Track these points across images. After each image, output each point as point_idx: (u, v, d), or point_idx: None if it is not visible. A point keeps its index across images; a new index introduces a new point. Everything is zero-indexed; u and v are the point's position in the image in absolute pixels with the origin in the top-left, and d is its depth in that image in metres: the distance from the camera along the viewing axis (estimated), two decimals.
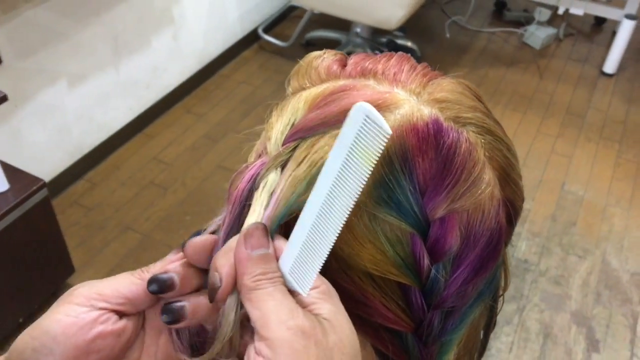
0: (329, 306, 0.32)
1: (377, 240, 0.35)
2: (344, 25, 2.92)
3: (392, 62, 0.41)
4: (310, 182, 0.34)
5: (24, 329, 0.36)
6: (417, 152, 0.35)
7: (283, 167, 0.36)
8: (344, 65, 0.42)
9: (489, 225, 0.37)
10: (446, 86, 0.39)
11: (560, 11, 3.06)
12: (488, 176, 0.37)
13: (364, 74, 0.40)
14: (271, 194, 0.35)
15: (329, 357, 0.30)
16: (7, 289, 1.59)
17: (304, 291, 0.32)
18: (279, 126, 0.39)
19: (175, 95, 2.60)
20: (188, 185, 2.25)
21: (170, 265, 0.35)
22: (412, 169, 0.35)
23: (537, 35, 3.12)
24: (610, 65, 2.95)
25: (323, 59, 0.43)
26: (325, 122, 0.36)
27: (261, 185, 0.36)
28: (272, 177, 0.36)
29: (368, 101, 0.36)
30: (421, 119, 0.35)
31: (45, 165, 2.02)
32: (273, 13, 3.17)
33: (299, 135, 0.37)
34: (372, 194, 0.35)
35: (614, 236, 2.17)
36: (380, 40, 2.92)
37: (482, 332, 0.48)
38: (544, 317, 1.89)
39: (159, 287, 0.34)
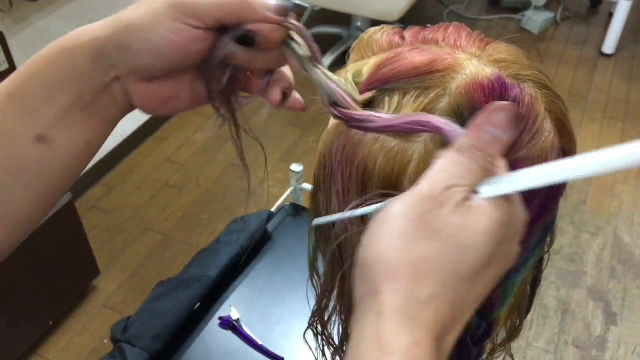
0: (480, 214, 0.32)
1: None
2: (344, 20, 2.95)
3: (450, 31, 0.44)
4: None
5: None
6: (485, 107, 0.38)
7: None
8: (403, 37, 0.46)
9: None
10: (503, 49, 0.43)
11: None
12: (549, 126, 0.40)
13: (425, 42, 0.44)
14: None
15: (428, 235, 0.31)
16: (36, 293, 1.62)
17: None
18: (344, 76, 0.42)
19: None
20: (202, 185, 2.28)
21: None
22: None
23: (535, 20, 3.16)
24: (609, 45, 2.98)
25: (383, 33, 0.46)
26: (397, 76, 0.40)
27: None
28: None
29: (434, 60, 0.40)
30: (486, 77, 0.39)
31: None
32: None
33: (375, 85, 0.41)
34: (446, 146, 0.38)
35: (624, 212, 2.20)
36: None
37: (529, 288, 0.52)
38: (561, 294, 1.93)
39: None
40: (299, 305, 0.79)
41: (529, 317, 1.82)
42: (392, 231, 0.31)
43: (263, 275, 0.84)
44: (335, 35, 3.01)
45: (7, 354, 1.59)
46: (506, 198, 0.33)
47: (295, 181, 1.18)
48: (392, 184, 0.39)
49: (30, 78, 0.39)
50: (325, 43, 2.98)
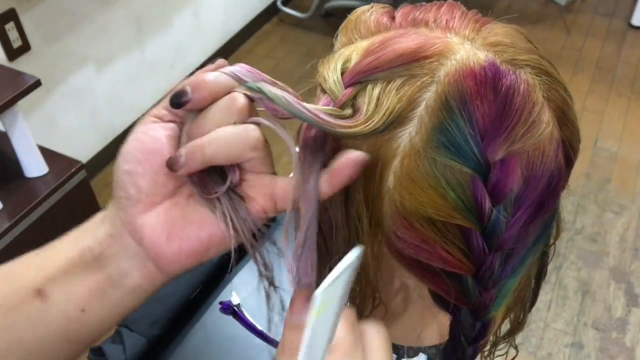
0: None
1: (438, 185, 0.35)
2: None
3: (442, 10, 0.41)
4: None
5: None
6: (476, 96, 0.35)
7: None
8: (392, 17, 0.43)
9: (549, 165, 0.37)
10: (499, 30, 0.39)
11: None
12: (547, 117, 0.37)
13: (415, 24, 0.40)
14: None
15: None
16: None
17: None
18: (333, 67, 0.39)
19: None
20: None
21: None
22: (471, 113, 0.35)
23: None
24: (638, 17, 2.87)
25: (372, 13, 0.43)
26: (381, 66, 0.37)
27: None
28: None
29: (421, 46, 0.37)
30: (478, 63, 0.35)
31: (80, 147, 2.05)
32: None
33: (358, 78, 0.37)
34: (432, 140, 0.35)
35: None
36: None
37: (533, 281, 0.49)
38: (582, 274, 1.89)
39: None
40: None
41: (548, 297, 1.79)
42: None
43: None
44: (354, 8, 2.94)
45: None
46: None
47: None
48: (376, 180, 0.37)
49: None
50: (342, 17, 2.92)
